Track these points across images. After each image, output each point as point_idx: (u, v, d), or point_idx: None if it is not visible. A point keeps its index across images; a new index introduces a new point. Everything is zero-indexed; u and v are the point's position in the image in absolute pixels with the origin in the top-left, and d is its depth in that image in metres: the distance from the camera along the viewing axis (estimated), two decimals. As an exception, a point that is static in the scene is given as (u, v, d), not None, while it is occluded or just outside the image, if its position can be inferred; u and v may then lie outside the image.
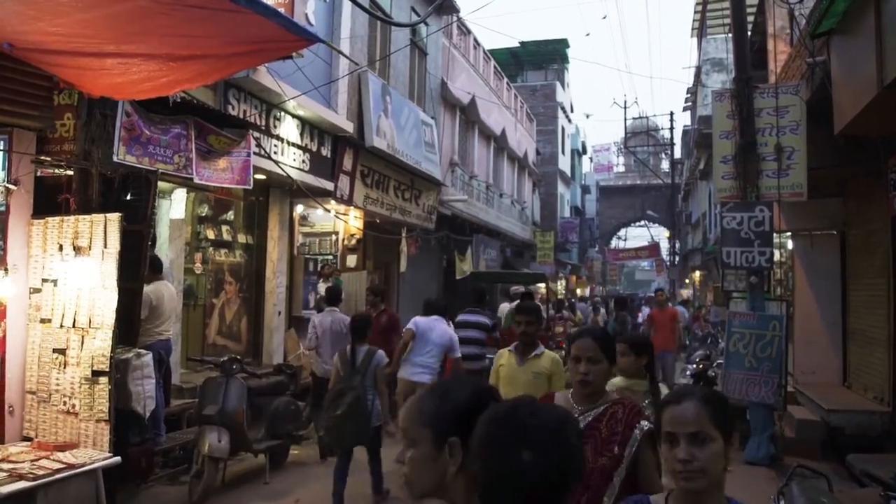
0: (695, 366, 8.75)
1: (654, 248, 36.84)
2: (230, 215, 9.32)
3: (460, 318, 7.76)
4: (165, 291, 6.39)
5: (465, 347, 7.00)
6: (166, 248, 7.45)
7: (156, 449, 6.07)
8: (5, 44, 4.02)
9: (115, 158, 5.29)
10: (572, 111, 35.11)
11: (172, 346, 6.79)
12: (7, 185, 4.94)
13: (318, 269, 10.36)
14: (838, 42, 6.36)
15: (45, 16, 3.51)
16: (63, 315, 4.88)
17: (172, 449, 6.43)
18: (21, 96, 4.80)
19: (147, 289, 6.03)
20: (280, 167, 8.23)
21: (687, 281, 33.37)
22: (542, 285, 15.36)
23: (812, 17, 6.78)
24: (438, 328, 6.76)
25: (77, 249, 4.90)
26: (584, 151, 41.33)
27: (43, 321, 4.96)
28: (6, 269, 4.91)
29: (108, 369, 4.65)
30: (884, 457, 5.70)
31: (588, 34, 53.44)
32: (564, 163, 32.08)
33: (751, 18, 11.39)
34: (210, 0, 3.19)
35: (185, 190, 7.69)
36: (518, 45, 29.86)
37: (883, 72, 4.94)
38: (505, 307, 11.63)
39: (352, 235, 11.45)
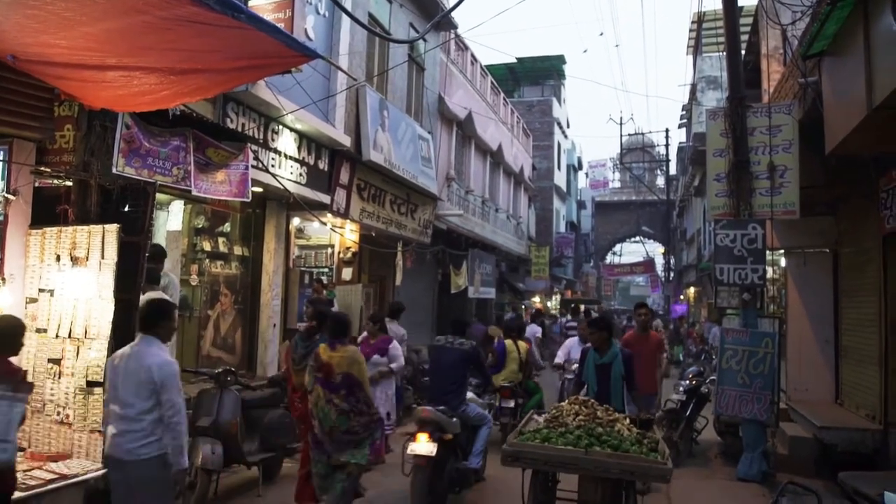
0: (688, 382, 8.77)
1: (649, 263, 36.97)
2: (227, 227, 9.34)
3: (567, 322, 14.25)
4: None
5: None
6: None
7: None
8: (9, 55, 4.07)
9: (114, 170, 5.32)
10: (568, 127, 35.34)
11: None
12: (6, 195, 4.97)
13: (311, 283, 10.39)
14: (829, 63, 6.46)
15: (50, 28, 3.56)
16: (59, 325, 4.90)
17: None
18: (22, 107, 4.84)
19: (140, 298, 6.05)
20: (277, 180, 8.28)
21: (682, 297, 33.46)
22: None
23: (804, 39, 6.89)
24: (532, 328, 12.97)
25: (74, 260, 4.93)
26: (580, 167, 41.54)
27: (39, 331, 4.97)
28: (3, 279, 4.94)
29: (102, 380, 4.66)
30: (874, 474, 5.73)
31: (585, 51, 53.77)
32: (560, 178, 32.25)
33: (745, 38, 11.54)
34: (212, 16, 3.24)
35: (182, 202, 7.73)
36: (515, 61, 30.10)
37: (872, 94, 5.03)
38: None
39: (348, 248, 11.49)
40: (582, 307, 20.58)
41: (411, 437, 5.72)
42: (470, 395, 6.58)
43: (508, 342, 8.55)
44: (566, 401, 5.18)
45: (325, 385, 5.06)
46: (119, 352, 4.10)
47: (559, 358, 9.33)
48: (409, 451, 5.66)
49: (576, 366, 8.40)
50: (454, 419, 5.92)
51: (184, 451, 3.84)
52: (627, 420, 4.81)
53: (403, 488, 5.81)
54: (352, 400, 5.01)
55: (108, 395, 4.06)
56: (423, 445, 5.55)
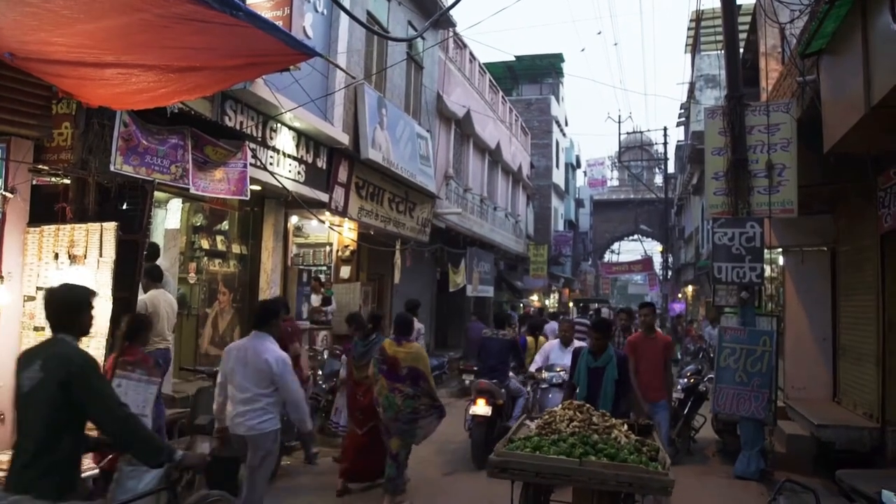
0: (686, 380, 8.78)
1: (647, 262, 36.95)
2: (225, 225, 9.34)
3: (576, 318, 13.61)
4: (162, 299, 6.41)
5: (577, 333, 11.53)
6: (161, 257, 7.46)
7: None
8: (6, 53, 4.06)
9: (112, 168, 5.32)
10: (567, 125, 35.34)
11: (170, 355, 6.78)
12: (4, 193, 4.97)
13: (310, 281, 10.39)
14: (827, 62, 6.46)
15: (47, 26, 3.56)
16: (57, 323, 4.89)
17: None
18: (19, 105, 4.83)
19: (143, 296, 6.14)
20: (276, 178, 8.27)
21: (680, 295, 33.49)
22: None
23: (802, 37, 6.89)
24: (550, 325, 12.09)
25: (72, 258, 4.93)
26: (579, 165, 41.57)
27: (37, 329, 4.97)
28: (1, 277, 4.93)
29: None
30: (872, 472, 5.75)
31: (583, 49, 53.73)
32: (558, 176, 32.25)
33: (743, 36, 11.54)
34: (211, 14, 3.24)
35: (180, 200, 7.72)
36: (514, 59, 30.10)
37: (870, 92, 5.03)
38: None
39: (346, 247, 11.48)
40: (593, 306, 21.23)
41: (472, 401, 7.51)
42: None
43: (530, 339, 9.97)
44: (559, 406, 4.86)
45: (389, 376, 5.78)
46: (234, 344, 4.90)
47: (536, 363, 8.33)
48: (470, 412, 7.45)
49: (548, 374, 8.00)
50: (502, 390, 7.60)
51: (307, 421, 4.76)
52: (625, 426, 4.50)
53: (464, 440, 7.84)
54: (416, 388, 5.78)
55: (223, 380, 4.75)
56: (482, 408, 7.27)
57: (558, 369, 7.91)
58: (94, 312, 3.12)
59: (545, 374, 8.05)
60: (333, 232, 10.85)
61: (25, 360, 3.01)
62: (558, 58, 32.50)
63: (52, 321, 3.04)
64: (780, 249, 9.82)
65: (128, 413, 3.01)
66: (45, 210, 5.21)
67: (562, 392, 6.92)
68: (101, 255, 4.86)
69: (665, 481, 3.76)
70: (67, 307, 3.05)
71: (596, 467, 3.82)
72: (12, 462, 2.96)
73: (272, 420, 4.64)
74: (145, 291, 6.29)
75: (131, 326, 4.65)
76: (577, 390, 5.67)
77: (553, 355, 8.13)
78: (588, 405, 4.70)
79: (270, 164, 8.58)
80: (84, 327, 3.10)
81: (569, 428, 4.30)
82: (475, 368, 13.11)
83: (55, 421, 2.86)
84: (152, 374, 4.53)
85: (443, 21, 13.92)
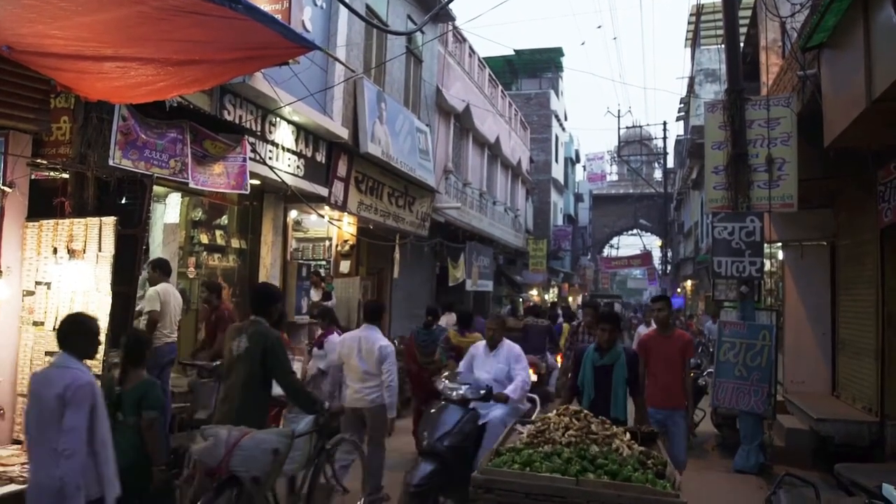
0: (685, 374, 8.81)
1: (646, 256, 37.00)
2: (224, 220, 9.32)
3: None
4: (172, 293, 6.51)
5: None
6: (160, 252, 7.45)
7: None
8: (4, 46, 4.03)
9: (111, 162, 5.29)
10: (566, 119, 35.27)
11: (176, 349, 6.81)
12: (2, 187, 4.95)
13: (309, 276, 10.38)
14: (828, 56, 6.45)
15: (45, 19, 3.53)
16: (56, 318, 4.88)
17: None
18: (18, 99, 4.80)
19: (156, 287, 6.33)
20: (275, 172, 8.25)
21: (679, 290, 33.52)
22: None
23: (803, 31, 6.87)
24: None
25: (71, 252, 4.92)
26: (578, 160, 41.50)
27: (36, 324, 4.97)
28: (0, 272, 4.92)
29: (100, 373, 4.65)
30: (871, 466, 5.75)
31: (583, 43, 53.48)
32: (558, 171, 32.21)
33: (743, 30, 11.51)
34: (209, 7, 3.22)
35: (179, 194, 7.70)
36: (513, 53, 30.02)
37: (871, 86, 5.02)
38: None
39: (345, 241, 11.47)
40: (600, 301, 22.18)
41: None
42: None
43: (566, 325, 11.83)
44: (554, 411, 4.25)
45: (457, 361, 6.67)
46: (347, 335, 5.92)
47: (462, 366, 6.02)
48: None
49: (449, 385, 5.56)
50: (543, 363, 10.11)
51: (394, 405, 5.58)
52: (627, 435, 4.02)
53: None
54: None
55: (341, 364, 5.74)
56: (531, 375, 8.63)
57: (463, 383, 5.35)
58: (280, 307, 4.81)
59: (445, 384, 5.32)
60: (333, 226, 10.83)
61: (235, 333, 4.40)
62: (558, 52, 32.42)
63: (252, 307, 4.51)
64: (779, 244, 9.82)
65: (295, 377, 4.64)
66: (43, 204, 5.20)
67: (461, 409, 5.07)
68: (100, 250, 4.85)
69: (674, 503, 3.23)
70: (264, 299, 4.51)
71: (595, 487, 3.32)
72: (221, 404, 4.39)
73: (381, 396, 5.59)
74: (153, 285, 6.45)
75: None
76: (584, 394, 5.08)
77: (477, 362, 5.94)
78: (586, 412, 4.20)
79: (270, 158, 8.55)
80: (272, 316, 4.50)
81: (564, 437, 3.82)
82: None
83: (257, 377, 4.24)
84: (295, 353, 6.04)
85: (442, 15, 13.88)
